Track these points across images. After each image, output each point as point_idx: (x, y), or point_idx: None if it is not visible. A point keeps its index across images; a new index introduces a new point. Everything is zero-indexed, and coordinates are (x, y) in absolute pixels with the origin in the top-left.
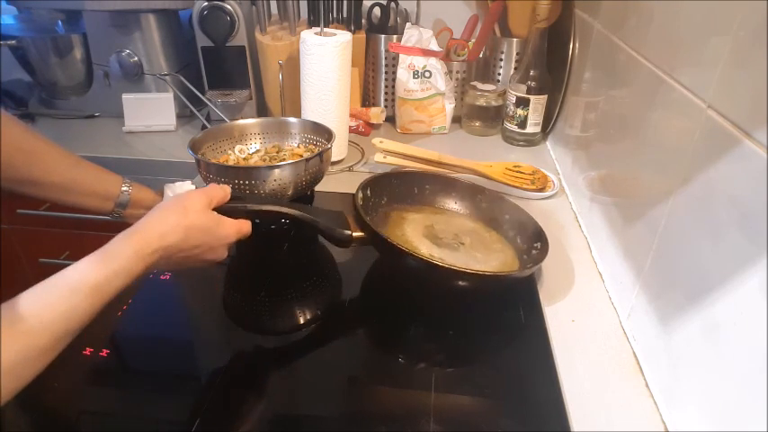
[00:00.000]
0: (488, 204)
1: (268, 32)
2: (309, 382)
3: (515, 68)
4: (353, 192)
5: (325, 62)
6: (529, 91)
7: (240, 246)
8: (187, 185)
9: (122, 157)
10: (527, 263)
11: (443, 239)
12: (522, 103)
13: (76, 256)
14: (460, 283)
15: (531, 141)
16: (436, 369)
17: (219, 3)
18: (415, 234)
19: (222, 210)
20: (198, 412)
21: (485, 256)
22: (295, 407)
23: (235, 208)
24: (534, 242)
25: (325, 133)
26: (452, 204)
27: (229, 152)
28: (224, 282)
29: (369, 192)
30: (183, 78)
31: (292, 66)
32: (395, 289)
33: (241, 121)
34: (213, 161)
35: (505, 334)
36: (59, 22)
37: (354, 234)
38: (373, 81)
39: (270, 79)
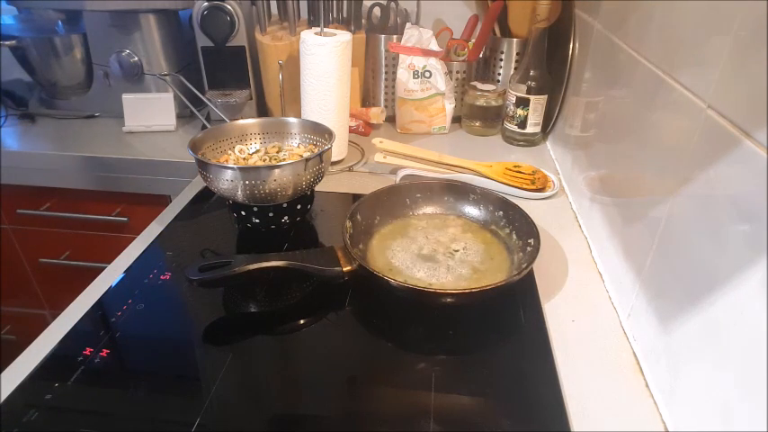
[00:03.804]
0: (481, 203)
1: (268, 32)
2: (309, 382)
3: (515, 68)
4: (353, 192)
5: (325, 62)
6: (529, 91)
7: (241, 246)
8: None
9: (122, 157)
10: (522, 261)
11: (437, 251)
12: (522, 103)
13: (76, 256)
14: (451, 300)
15: (531, 141)
16: (436, 369)
17: (219, 3)
18: (407, 254)
19: (207, 279)
20: (198, 412)
21: (480, 261)
22: (295, 407)
23: (221, 275)
24: (528, 239)
25: (325, 133)
26: (445, 208)
27: (229, 152)
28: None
29: (359, 217)
30: (183, 78)
31: (292, 66)
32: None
33: (241, 121)
34: (213, 161)
35: (505, 334)
36: (59, 22)
37: (345, 269)
38: (373, 81)
39: (270, 79)
